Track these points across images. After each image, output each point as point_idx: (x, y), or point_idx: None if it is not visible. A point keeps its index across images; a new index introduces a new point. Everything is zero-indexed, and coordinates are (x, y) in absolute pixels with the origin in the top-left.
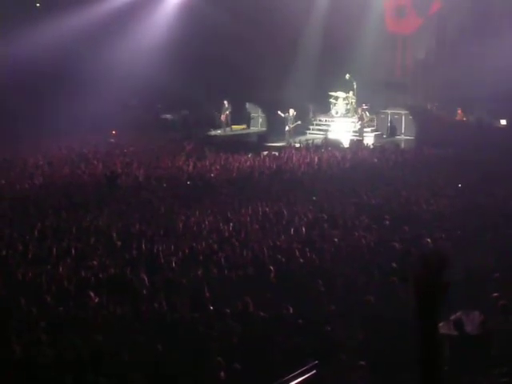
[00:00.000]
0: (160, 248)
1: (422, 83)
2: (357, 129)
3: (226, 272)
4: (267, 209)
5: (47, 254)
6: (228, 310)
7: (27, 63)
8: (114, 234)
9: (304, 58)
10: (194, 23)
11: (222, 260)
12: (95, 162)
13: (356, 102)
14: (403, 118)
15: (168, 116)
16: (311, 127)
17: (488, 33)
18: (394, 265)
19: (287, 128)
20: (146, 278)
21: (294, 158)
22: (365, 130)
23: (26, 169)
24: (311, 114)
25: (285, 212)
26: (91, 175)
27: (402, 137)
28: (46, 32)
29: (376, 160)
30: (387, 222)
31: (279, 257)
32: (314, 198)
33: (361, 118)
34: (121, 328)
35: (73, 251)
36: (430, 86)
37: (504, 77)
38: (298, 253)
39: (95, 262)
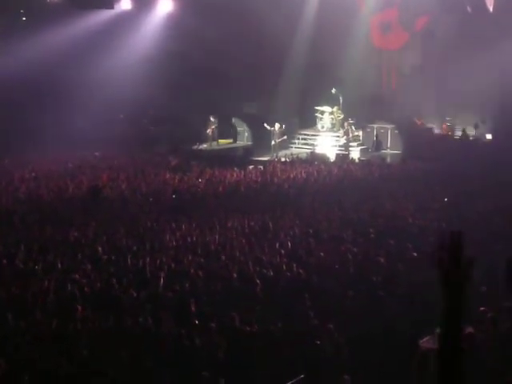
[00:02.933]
0: (146, 262)
1: (408, 98)
2: (342, 143)
3: (212, 286)
4: (253, 223)
5: (33, 268)
6: (214, 325)
7: (13, 77)
8: (100, 248)
9: (290, 72)
10: (180, 37)
11: (208, 274)
12: (81, 176)
13: (342, 117)
14: (389, 132)
15: (154, 130)
16: (297, 141)
17: (474, 49)
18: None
19: (273, 142)
20: (132, 293)
21: (280, 172)
22: (350, 144)
23: (11, 183)
24: (297, 129)
25: (271, 226)
26: (77, 189)
27: (388, 151)
28: (32, 46)
29: (362, 174)
30: (372, 236)
31: (265, 271)
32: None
33: (346, 133)
34: (107, 343)
35: (59, 265)
36: (415, 100)
37: (490, 92)
38: (284, 267)
39: (81, 276)
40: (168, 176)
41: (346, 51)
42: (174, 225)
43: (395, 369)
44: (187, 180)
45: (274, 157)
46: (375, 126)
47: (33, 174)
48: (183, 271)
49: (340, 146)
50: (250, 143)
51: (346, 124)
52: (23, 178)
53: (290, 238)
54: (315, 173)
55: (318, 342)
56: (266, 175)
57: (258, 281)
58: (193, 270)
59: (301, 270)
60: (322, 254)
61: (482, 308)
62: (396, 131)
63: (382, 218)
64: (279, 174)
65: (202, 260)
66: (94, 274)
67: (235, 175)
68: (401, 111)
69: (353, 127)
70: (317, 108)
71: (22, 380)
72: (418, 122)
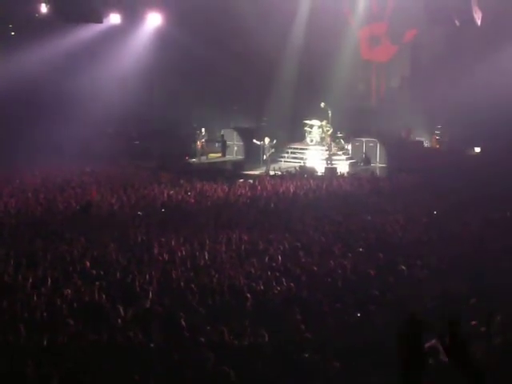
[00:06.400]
0: (135, 276)
1: (397, 111)
2: (325, 157)
3: (201, 300)
4: (243, 237)
5: (22, 282)
6: (203, 339)
7: (1, 91)
8: (89, 263)
9: (279, 86)
10: (169, 51)
11: (198, 288)
12: (70, 190)
13: (331, 131)
14: (378, 145)
15: (143, 144)
16: (286, 155)
17: (462, 61)
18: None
19: (264, 157)
20: (121, 307)
21: (269, 186)
22: (339, 158)
23: (0, 197)
24: (286, 142)
25: (260, 240)
26: (66, 203)
27: (377, 164)
28: (21, 61)
29: (351, 188)
30: (361, 249)
31: (255, 285)
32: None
33: (329, 147)
34: (96, 357)
35: (48, 280)
36: (404, 113)
37: (477, 105)
38: (274, 281)
39: (70, 291)
40: (157, 190)
41: (334, 64)
42: (163, 239)
43: (384, 381)
44: (176, 194)
45: (266, 171)
46: (364, 139)
47: (22, 188)
48: (172, 285)
49: (326, 160)
50: (240, 157)
51: (329, 139)
52: (13, 192)
53: (280, 251)
54: (304, 187)
55: (305, 357)
56: (256, 189)
57: (248, 295)
58: (182, 284)
59: (291, 284)
60: (311, 267)
61: (473, 322)
62: (378, 145)
63: (372, 232)
64: (269, 188)
65: (192, 274)
66: (83, 289)
67: (226, 189)
68: (388, 124)
69: (342, 141)
70: (306, 122)
71: None
72: (406, 135)
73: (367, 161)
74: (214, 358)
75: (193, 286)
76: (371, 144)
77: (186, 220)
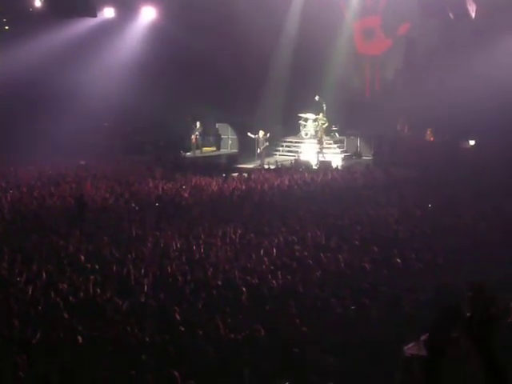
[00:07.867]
0: (130, 270)
1: (391, 104)
2: (318, 150)
3: (196, 294)
4: (238, 230)
5: (17, 276)
6: (200, 332)
7: None
8: (84, 257)
9: (274, 79)
10: (164, 45)
11: (193, 282)
12: (65, 185)
13: (327, 124)
14: (371, 139)
15: (138, 138)
16: (281, 149)
17: (456, 54)
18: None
19: (259, 150)
20: (116, 301)
21: (264, 179)
22: (334, 151)
23: None
24: (280, 136)
25: (255, 234)
26: (61, 198)
27: (371, 157)
28: (16, 55)
29: (345, 181)
30: (357, 243)
31: (250, 279)
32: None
33: (320, 141)
34: (91, 351)
35: (43, 274)
36: (398, 106)
37: (472, 98)
38: (269, 275)
39: (65, 285)
40: (152, 184)
41: (329, 57)
42: (158, 233)
43: (380, 375)
44: (171, 188)
45: (261, 164)
46: (359, 132)
47: (16, 183)
48: (167, 279)
49: (317, 153)
50: (234, 151)
51: (320, 132)
52: (7, 187)
53: (275, 245)
54: (299, 180)
55: (300, 350)
56: (250, 183)
57: (243, 288)
58: (177, 278)
59: (286, 278)
60: (307, 261)
61: (469, 314)
62: (372, 138)
63: (367, 225)
64: (263, 182)
65: (187, 268)
66: (78, 283)
67: (219, 184)
68: (383, 117)
69: (336, 134)
70: (300, 115)
71: None
72: (401, 128)
73: (359, 154)
74: (213, 351)
75: (188, 279)
76: (364, 137)
77: (180, 214)
